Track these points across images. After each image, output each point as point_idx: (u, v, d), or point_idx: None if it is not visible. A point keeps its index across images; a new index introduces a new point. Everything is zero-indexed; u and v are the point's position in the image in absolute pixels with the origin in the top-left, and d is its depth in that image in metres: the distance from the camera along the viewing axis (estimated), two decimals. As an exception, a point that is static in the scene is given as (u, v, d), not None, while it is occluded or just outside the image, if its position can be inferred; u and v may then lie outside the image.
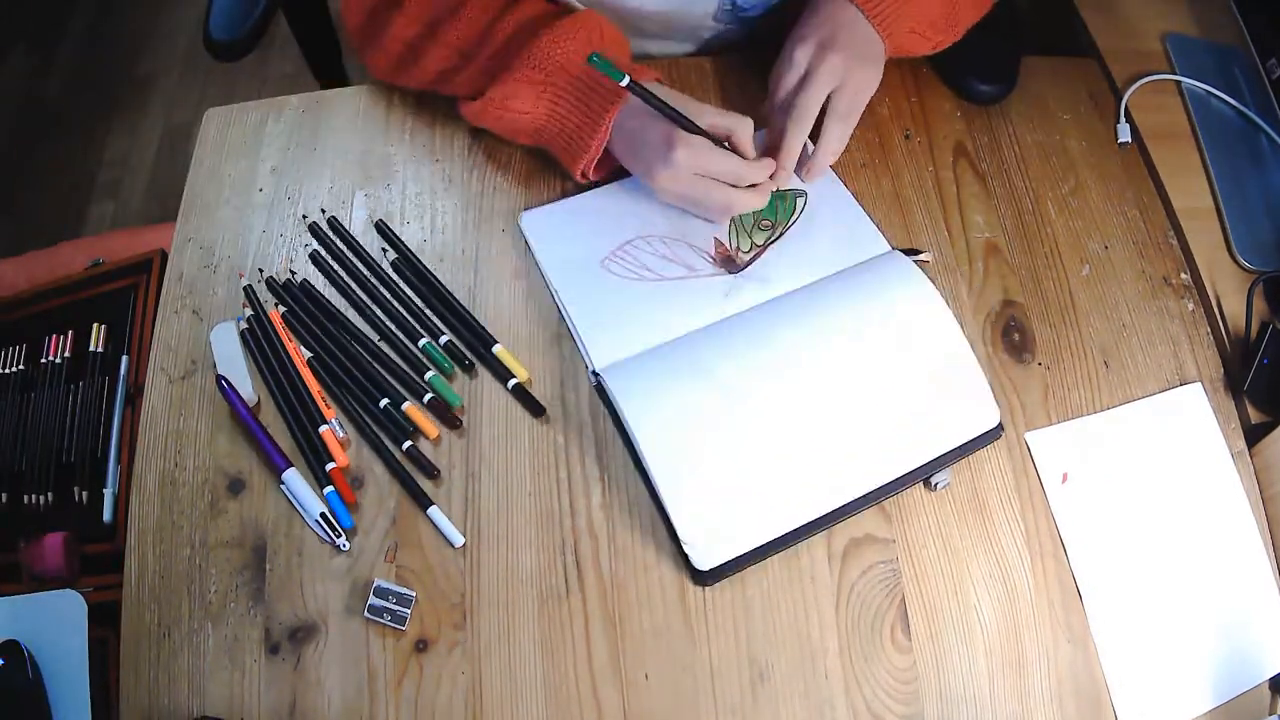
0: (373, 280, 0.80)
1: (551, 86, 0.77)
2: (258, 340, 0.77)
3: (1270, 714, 0.67)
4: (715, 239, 0.79)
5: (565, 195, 0.82)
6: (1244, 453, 0.74)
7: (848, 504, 0.68)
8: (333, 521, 0.69)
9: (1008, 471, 0.72)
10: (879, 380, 0.71)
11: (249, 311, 0.78)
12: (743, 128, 0.75)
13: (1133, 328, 0.79)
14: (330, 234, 0.82)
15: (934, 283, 0.73)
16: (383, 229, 0.82)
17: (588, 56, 0.72)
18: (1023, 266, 0.81)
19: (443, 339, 0.77)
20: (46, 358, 1.02)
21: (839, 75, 0.75)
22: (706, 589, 0.68)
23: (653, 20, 0.88)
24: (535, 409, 0.73)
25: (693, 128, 0.73)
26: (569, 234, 0.80)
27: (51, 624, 0.77)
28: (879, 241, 0.79)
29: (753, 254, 0.79)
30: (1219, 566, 0.70)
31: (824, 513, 0.68)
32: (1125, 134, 0.87)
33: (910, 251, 0.79)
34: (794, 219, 0.80)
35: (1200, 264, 0.81)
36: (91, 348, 1.02)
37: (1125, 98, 0.89)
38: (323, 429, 0.73)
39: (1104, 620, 0.68)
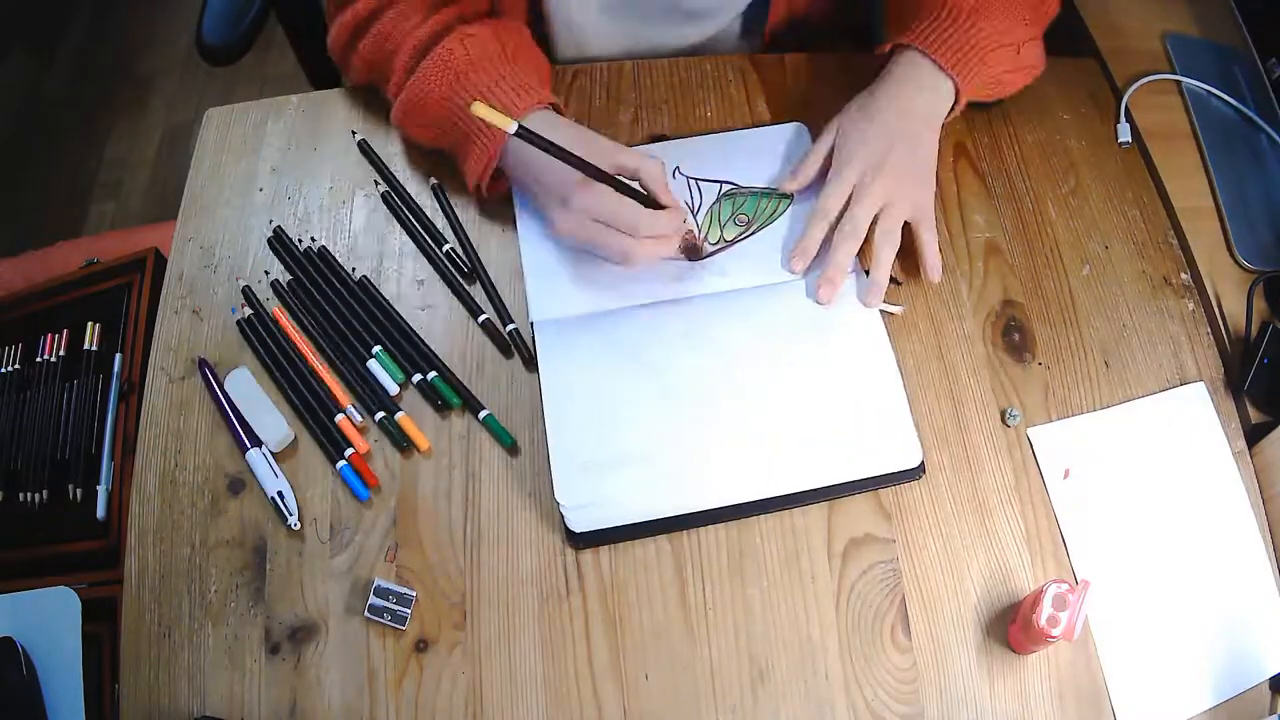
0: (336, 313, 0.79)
1: (434, 126, 0.78)
2: (260, 338, 0.77)
3: (1270, 714, 0.66)
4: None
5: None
6: (1244, 452, 0.74)
7: (742, 505, 0.69)
8: (284, 502, 0.70)
9: (1008, 471, 0.72)
10: (804, 394, 0.70)
11: (248, 311, 0.79)
12: (650, 170, 0.71)
13: (1133, 328, 0.79)
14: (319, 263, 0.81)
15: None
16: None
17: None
18: (1023, 266, 0.81)
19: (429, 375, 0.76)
20: (42, 356, 1.02)
21: (887, 196, 0.74)
22: (707, 588, 0.68)
23: None
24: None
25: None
26: None
27: (46, 620, 0.77)
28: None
29: (719, 247, 0.79)
30: (1219, 566, 0.70)
31: (714, 507, 0.69)
32: (1125, 134, 0.87)
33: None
34: (772, 221, 0.80)
35: (1200, 264, 0.81)
36: (86, 346, 1.02)
37: (1125, 98, 0.89)
38: (338, 417, 0.73)
39: (1103, 619, 0.68)
